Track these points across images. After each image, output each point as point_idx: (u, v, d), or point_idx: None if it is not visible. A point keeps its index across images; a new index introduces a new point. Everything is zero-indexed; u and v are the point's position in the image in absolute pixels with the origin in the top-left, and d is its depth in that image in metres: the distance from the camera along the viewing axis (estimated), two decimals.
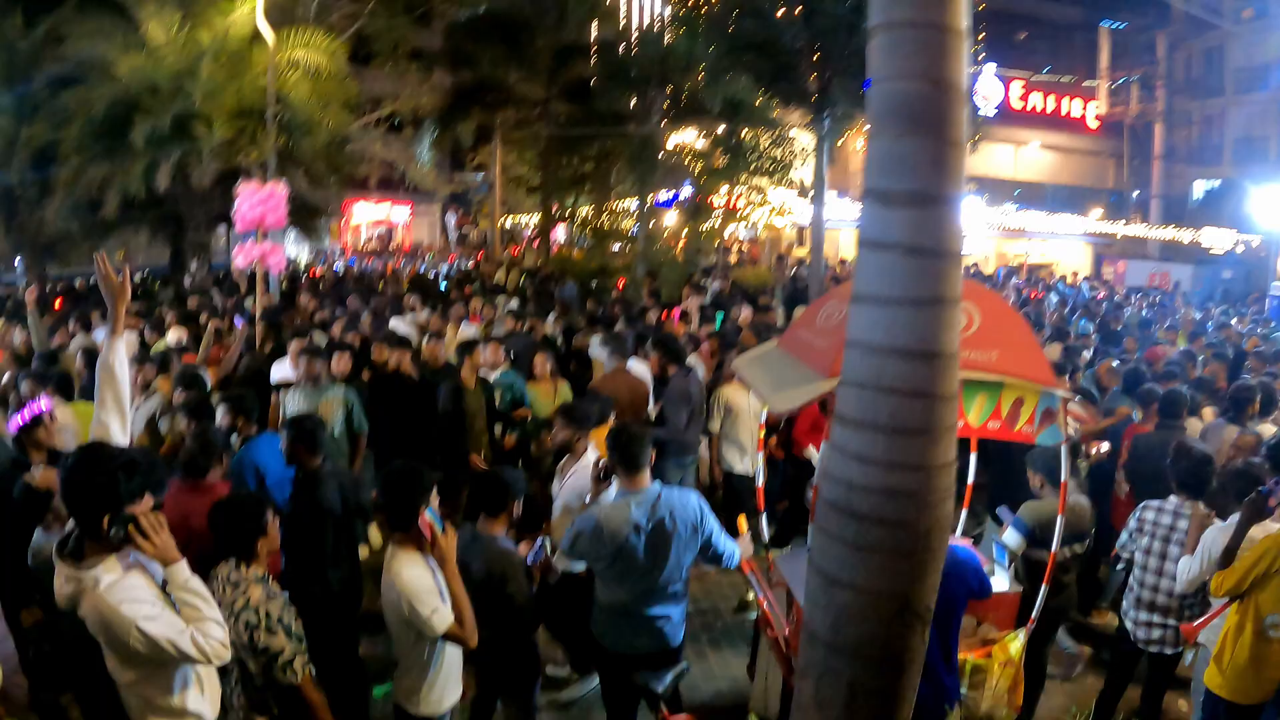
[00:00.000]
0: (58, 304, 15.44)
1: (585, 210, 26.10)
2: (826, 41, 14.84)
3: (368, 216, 47.52)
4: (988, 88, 34.90)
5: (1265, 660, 4.90)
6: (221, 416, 6.52)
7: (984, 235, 35.24)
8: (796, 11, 15.20)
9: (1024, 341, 5.06)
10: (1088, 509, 6.09)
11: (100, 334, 11.07)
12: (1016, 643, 5.24)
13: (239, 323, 10.79)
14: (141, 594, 3.38)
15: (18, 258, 21.00)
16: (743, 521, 5.76)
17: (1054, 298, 22.67)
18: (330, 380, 8.02)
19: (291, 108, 17.53)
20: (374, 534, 5.78)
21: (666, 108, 21.86)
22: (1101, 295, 24.11)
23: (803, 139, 21.47)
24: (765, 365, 5.72)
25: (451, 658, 4.38)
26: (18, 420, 5.80)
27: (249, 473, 6.14)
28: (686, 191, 24.15)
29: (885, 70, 3.26)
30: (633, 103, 22.64)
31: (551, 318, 12.90)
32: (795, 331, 5.93)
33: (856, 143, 24.66)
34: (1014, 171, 39.61)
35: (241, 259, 12.66)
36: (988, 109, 33.68)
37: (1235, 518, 5.11)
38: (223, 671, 3.78)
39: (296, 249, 26.77)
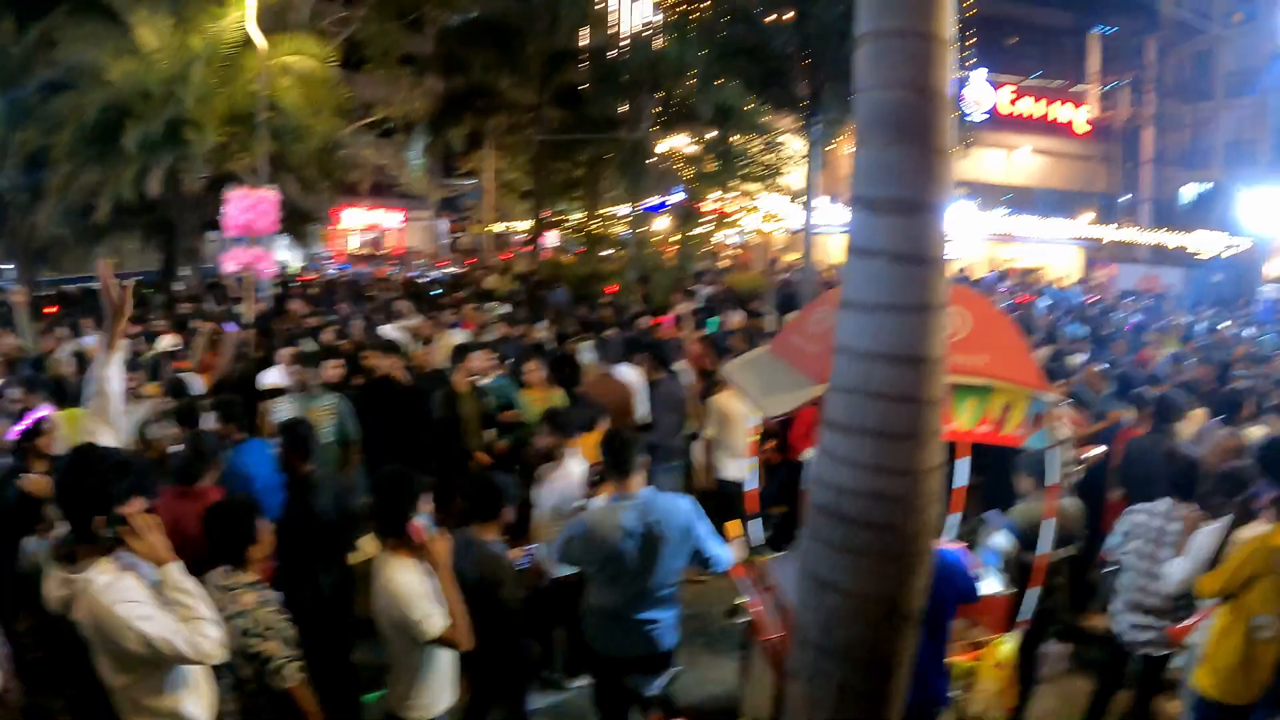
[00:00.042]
0: (53, 310, 15.36)
1: (577, 216, 26.11)
2: (817, 47, 14.83)
3: (359, 222, 47.43)
4: (978, 93, 34.92)
5: (1254, 661, 4.92)
6: (211, 423, 6.52)
7: (975, 240, 35.27)
8: (787, 17, 15.22)
9: (1013, 345, 5.09)
10: (1078, 512, 6.12)
11: (90, 339, 11.05)
12: (1007, 645, 5.27)
13: (230, 329, 10.77)
14: (136, 594, 3.39)
15: (9, 264, 20.93)
16: (733, 526, 5.78)
17: (1044, 302, 22.72)
18: (321, 388, 8.01)
19: (283, 113, 17.51)
20: (368, 544, 5.79)
21: (657, 113, 21.88)
22: (1093, 299, 24.17)
23: (794, 144, 21.48)
24: (756, 370, 5.74)
25: (444, 663, 4.39)
26: (17, 429, 5.79)
27: (237, 479, 6.12)
28: (678, 197, 24.16)
29: (872, 79, 3.29)
30: (624, 108, 22.66)
31: (543, 323, 12.90)
32: (786, 336, 5.96)
33: (847, 148, 24.68)
34: (1005, 176, 39.63)
35: (231, 265, 12.66)
36: (978, 114, 33.71)
37: (1225, 520, 5.14)
38: (215, 676, 3.79)
39: (288, 255, 26.74)
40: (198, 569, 3.94)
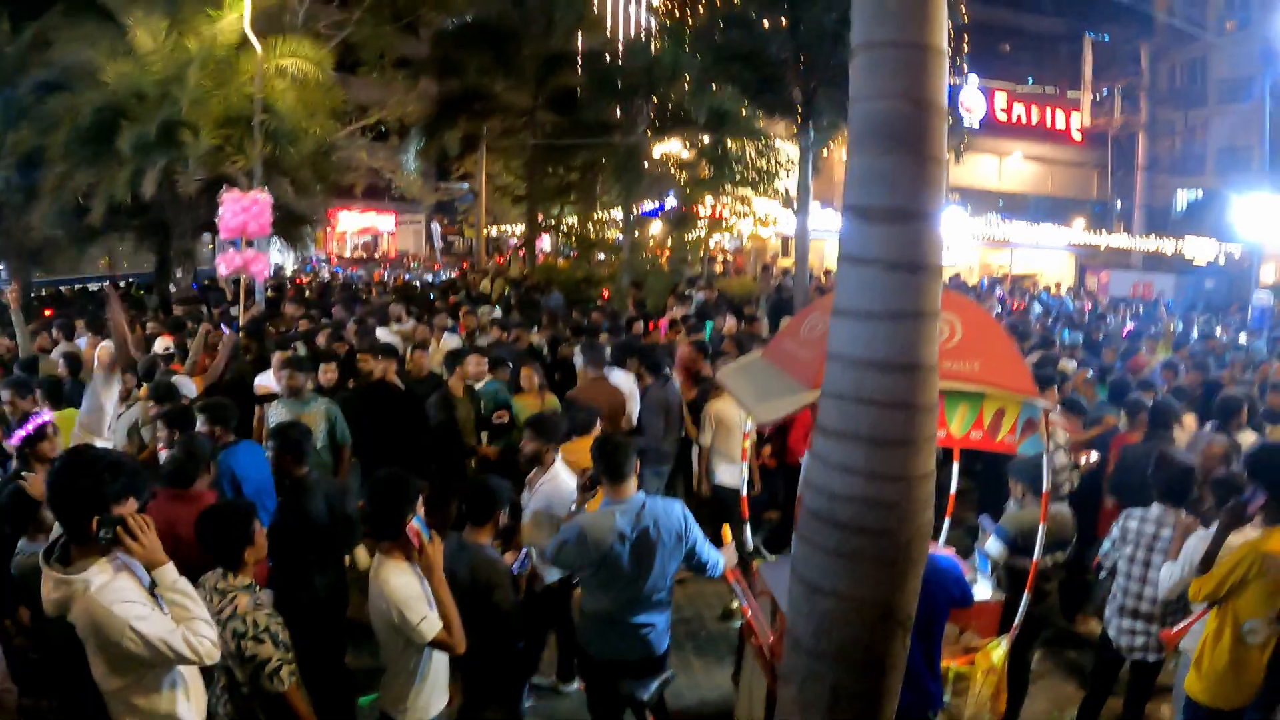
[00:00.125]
0: (50, 313, 15.31)
1: (571, 220, 26.12)
2: (812, 53, 14.92)
3: (353, 225, 47.46)
4: (971, 99, 35.11)
5: (1244, 665, 4.94)
6: (200, 425, 6.51)
7: (968, 246, 35.39)
8: (782, 23, 15.28)
9: (1005, 352, 5.12)
10: (1069, 518, 6.15)
11: (83, 341, 11.04)
12: (999, 650, 5.29)
13: (224, 331, 10.76)
14: (133, 595, 3.40)
15: (2, 264, 20.91)
16: (727, 531, 5.80)
17: (1037, 308, 22.79)
18: (313, 392, 8.00)
19: (278, 116, 17.50)
20: (360, 554, 5.79)
21: (652, 118, 21.91)
22: (1086, 306, 24.25)
23: (788, 150, 21.55)
24: (750, 376, 5.76)
25: (439, 665, 4.40)
26: (20, 434, 5.78)
27: (225, 481, 6.12)
28: (672, 202, 24.18)
29: (867, 90, 3.32)
30: (618, 113, 22.69)
31: (537, 328, 12.89)
32: (780, 342, 5.97)
33: (841, 153, 24.71)
34: (998, 182, 39.79)
35: (225, 267, 12.64)
36: (972, 121, 33.85)
37: (1216, 525, 5.17)
38: (208, 679, 3.79)
39: (282, 257, 26.72)
40: (191, 571, 3.95)
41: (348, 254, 45.55)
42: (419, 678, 4.31)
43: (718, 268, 30.02)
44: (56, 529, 3.70)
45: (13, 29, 17.86)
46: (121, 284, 23.57)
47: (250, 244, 13.66)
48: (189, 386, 8.16)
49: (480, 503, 4.84)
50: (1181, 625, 5.33)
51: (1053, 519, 5.64)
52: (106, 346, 8.74)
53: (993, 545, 5.88)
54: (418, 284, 26.86)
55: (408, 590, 4.09)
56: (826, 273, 27.28)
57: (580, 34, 26.74)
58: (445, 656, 4.37)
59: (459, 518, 4.92)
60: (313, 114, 18.68)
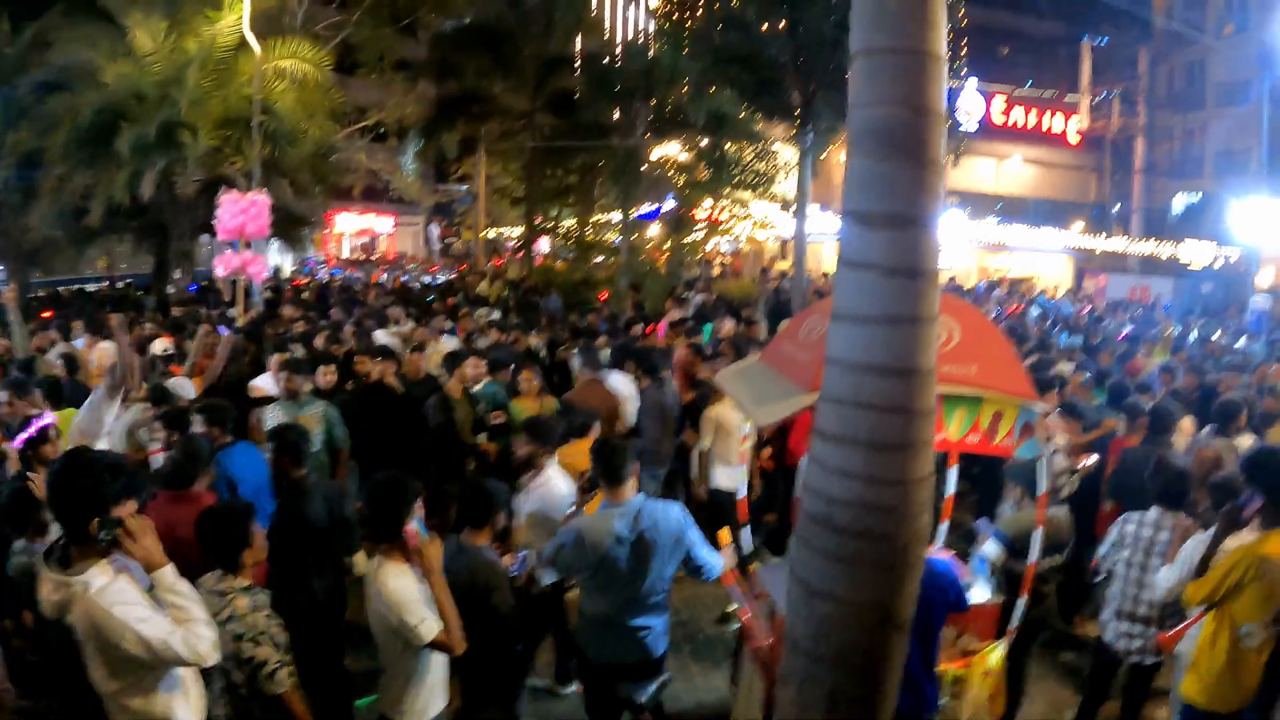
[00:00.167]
0: (48, 314, 15.29)
1: (569, 222, 26.14)
2: (810, 56, 14.90)
3: (351, 227, 47.44)
4: (969, 103, 35.10)
5: (1241, 668, 4.95)
6: (198, 426, 6.51)
7: (965, 249, 35.39)
8: (781, 26, 15.27)
9: (1003, 356, 5.13)
10: (1066, 520, 6.15)
11: (80, 342, 11.02)
12: (996, 653, 5.30)
13: (223, 333, 10.75)
14: (132, 596, 3.40)
15: (0, 265, 20.90)
16: (724, 534, 5.81)
17: (1035, 311, 22.78)
18: (311, 395, 7.99)
19: (277, 117, 17.53)
20: (360, 559, 5.80)
21: (651, 120, 21.94)
22: (1084, 309, 24.24)
23: (786, 153, 21.56)
24: (748, 378, 5.77)
25: (437, 667, 4.40)
26: (22, 436, 5.78)
27: (221, 482, 6.12)
28: (670, 204, 24.21)
29: (866, 96, 3.33)
30: (617, 115, 22.71)
31: (535, 331, 12.89)
32: (778, 345, 5.98)
33: (839, 156, 24.74)
34: (996, 186, 39.79)
35: (223, 268, 12.64)
36: (969, 124, 33.85)
37: (1213, 528, 5.18)
38: (207, 681, 3.80)
39: (280, 259, 26.72)
40: (191, 573, 3.95)
41: (345, 255, 45.52)
42: (417, 680, 4.31)
43: (715, 270, 30.07)
44: (56, 530, 3.70)
45: (13, 29, 17.89)
46: (120, 284, 23.58)
47: (248, 245, 13.68)
48: (188, 388, 8.16)
49: (478, 505, 4.84)
50: (1179, 628, 5.33)
51: (1050, 522, 5.65)
52: (107, 350, 8.73)
53: (990, 548, 5.89)
54: (416, 286, 26.86)
55: (406, 592, 4.10)
56: (824, 275, 27.29)
57: (579, 36, 26.79)
58: (444, 658, 4.37)
59: (457, 520, 4.92)
60: (311, 115, 18.72)
